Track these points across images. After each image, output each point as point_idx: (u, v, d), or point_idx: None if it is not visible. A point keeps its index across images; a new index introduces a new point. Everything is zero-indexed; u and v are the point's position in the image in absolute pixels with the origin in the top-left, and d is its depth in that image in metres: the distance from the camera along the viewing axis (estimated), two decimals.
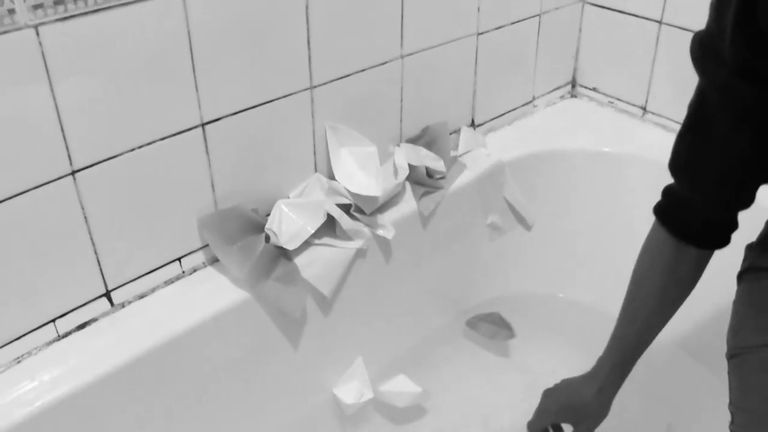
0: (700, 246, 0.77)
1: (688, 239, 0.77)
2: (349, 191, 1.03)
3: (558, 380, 1.07)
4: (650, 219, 1.27)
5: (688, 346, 1.25)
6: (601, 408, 0.91)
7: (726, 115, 0.66)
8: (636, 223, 1.26)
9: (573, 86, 1.48)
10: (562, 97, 1.47)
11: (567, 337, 1.31)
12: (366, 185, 1.02)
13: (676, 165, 0.74)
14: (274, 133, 0.99)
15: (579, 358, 1.26)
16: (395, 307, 1.18)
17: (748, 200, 0.73)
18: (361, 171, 1.04)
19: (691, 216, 0.76)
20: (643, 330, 0.85)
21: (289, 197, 1.03)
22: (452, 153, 1.22)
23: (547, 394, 0.99)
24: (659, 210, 0.79)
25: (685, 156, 0.72)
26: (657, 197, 1.24)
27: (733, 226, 0.76)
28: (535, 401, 1.02)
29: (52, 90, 0.76)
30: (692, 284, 0.81)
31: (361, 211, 1.05)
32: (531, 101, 1.41)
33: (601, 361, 0.91)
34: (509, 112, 1.37)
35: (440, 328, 1.29)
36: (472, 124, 1.30)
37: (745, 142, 0.67)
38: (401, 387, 1.12)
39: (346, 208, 1.04)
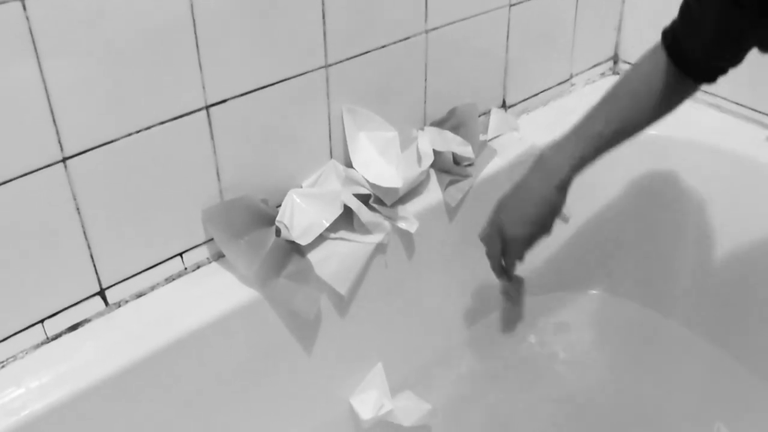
0: (686, 73, 0.89)
1: (680, 65, 0.89)
2: (368, 181, 1.03)
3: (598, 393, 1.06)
4: (703, 210, 1.26)
5: (736, 350, 1.25)
6: (561, 201, 0.95)
7: None
8: (686, 213, 1.29)
9: (615, 62, 1.47)
10: (603, 75, 1.46)
11: (605, 335, 1.32)
12: (386, 175, 1.02)
13: (682, 11, 0.88)
14: (285, 116, 0.98)
15: (617, 359, 1.30)
16: (419, 307, 1.18)
17: (738, 60, 0.87)
18: (380, 158, 1.04)
19: (689, 46, 0.88)
20: (620, 132, 0.94)
21: (302, 186, 1.03)
22: (481, 137, 1.21)
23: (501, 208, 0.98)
24: (668, 34, 0.90)
25: (689, 9, 0.87)
26: (710, 186, 1.24)
27: (724, 71, 0.90)
28: (566, 416, 1.01)
29: (40, 69, 0.76)
30: (669, 110, 0.93)
31: (381, 202, 1.05)
32: (568, 79, 1.40)
33: (566, 153, 0.93)
34: (544, 91, 1.36)
35: (469, 330, 1.29)
36: (504, 105, 1.30)
37: (736, 19, 0.80)
38: (407, 403, 1.11)
39: (364, 198, 1.03)
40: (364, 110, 1.04)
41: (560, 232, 1.32)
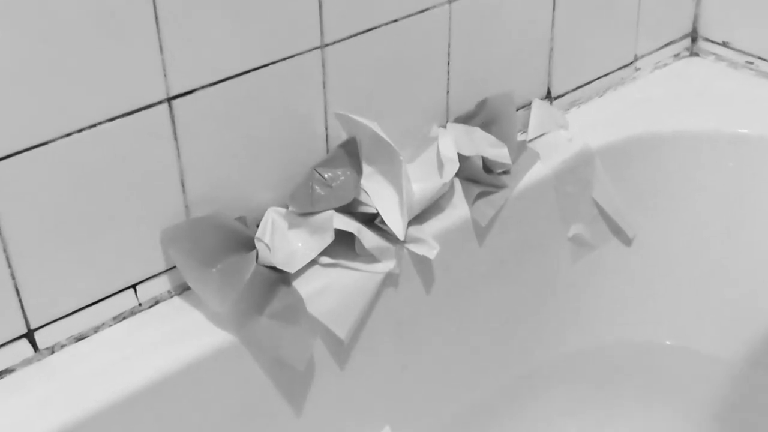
0: None
1: None
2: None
3: None
4: None
5: None
6: None
7: None
8: None
9: (693, 40, 1.46)
10: (677, 56, 1.46)
11: (681, 400, 1.31)
12: (388, 210, 1.02)
13: None
14: (269, 111, 0.98)
15: (700, 428, 1.28)
16: (439, 355, 1.17)
17: None
18: (384, 181, 1.04)
19: None
20: None
21: (287, 207, 1.03)
22: (520, 137, 1.21)
23: None
24: None
25: None
26: None
27: None
28: None
29: None
30: None
31: None
32: (632, 62, 1.40)
33: None
34: (600, 78, 1.36)
35: (502, 388, 1.28)
36: (548, 96, 1.30)
37: None
38: None
39: (371, 217, 1.03)
40: (360, 119, 1.02)
41: (621, 262, 1.33)
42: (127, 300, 0.95)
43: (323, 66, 1.00)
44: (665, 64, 1.43)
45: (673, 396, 1.31)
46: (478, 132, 1.14)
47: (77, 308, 0.92)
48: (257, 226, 1.00)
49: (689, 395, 1.31)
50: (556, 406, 1.28)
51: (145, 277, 0.96)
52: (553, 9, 1.22)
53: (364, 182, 1.03)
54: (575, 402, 1.30)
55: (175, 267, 0.97)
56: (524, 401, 1.28)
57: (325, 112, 1.03)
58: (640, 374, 1.34)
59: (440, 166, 1.09)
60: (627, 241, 1.32)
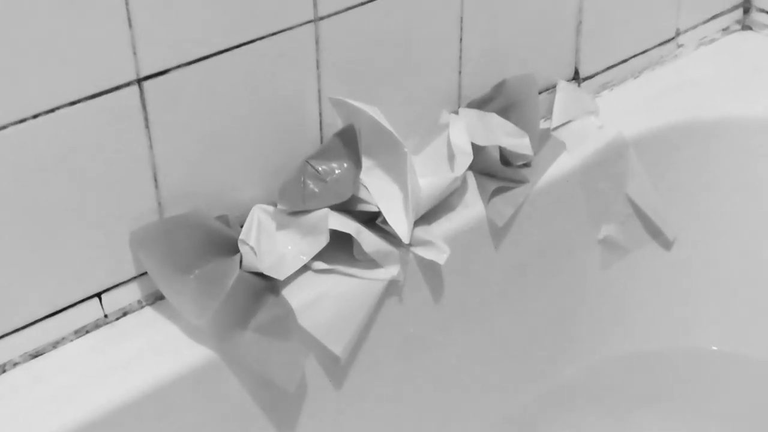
0: None
1: None
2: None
3: None
4: None
5: None
6: None
7: None
8: None
9: (746, 12, 1.46)
10: (725, 30, 1.46)
11: (731, 408, 1.31)
12: (391, 208, 1.02)
13: None
14: (254, 93, 0.98)
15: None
16: (448, 375, 1.17)
17: None
18: (387, 176, 1.04)
19: None
20: None
21: (276, 206, 1.02)
22: (543, 124, 1.21)
23: None
24: None
25: None
26: None
27: None
28: None
29: None
30: None
31: None
32: (673, 38, 1.40)
33: None
34: (636, 56, 1.36)
35: (522, 408, 1.28)
36: (576, 78, 1.30)
37: None
38: None
39: (371, 216, 1.03)
40: (359, 104, 1.02)
41: (659, 267, 1.34)
42: (91, 311, 0.95)
43: (317, 42, 1.00)
44: (712, 40, 1.43)
45: (721, 404, 1.32)
46: (494, 119, 1.14)
47: (33, 321, 0.91)
48: (241, 226, 0.99)
49: (739, 403, 1.32)
50: (587, 424, 1.29)
51: (111, 285, 0.96)
52: None
53: (364, 177, 1.03)
54: (609, 418, 1.30)
55: (146, 273, 0.96)
56: (549, 422, 1.28)
57: (319, 96, 1.03)
58: (683, 383, 1.35)
59: (451, 158, 1.09)
60: (666, 243, 1.32)
